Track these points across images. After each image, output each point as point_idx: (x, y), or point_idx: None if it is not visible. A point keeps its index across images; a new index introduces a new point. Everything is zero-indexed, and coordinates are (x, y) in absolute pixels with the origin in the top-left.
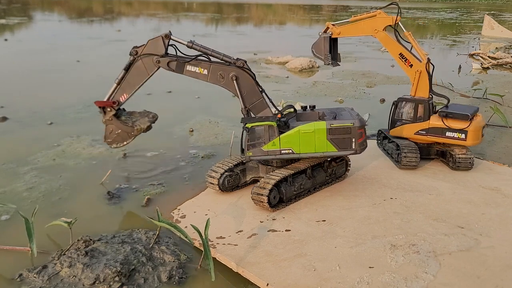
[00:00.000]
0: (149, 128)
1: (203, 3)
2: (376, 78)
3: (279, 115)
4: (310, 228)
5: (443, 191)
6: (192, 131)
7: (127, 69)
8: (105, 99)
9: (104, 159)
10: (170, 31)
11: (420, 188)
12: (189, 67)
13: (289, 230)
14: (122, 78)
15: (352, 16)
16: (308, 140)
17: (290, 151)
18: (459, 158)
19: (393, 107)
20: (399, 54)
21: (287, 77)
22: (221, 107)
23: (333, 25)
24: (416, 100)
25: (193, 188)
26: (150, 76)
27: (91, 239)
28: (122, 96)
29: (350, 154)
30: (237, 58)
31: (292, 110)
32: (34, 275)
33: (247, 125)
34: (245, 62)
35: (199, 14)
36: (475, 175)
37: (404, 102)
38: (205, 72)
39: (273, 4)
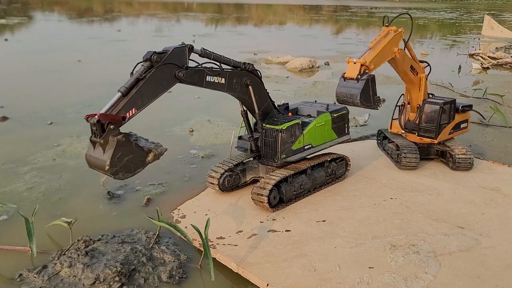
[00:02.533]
0: (161, 154)
1: (203, 3)
2: (376, 78)
3: (290, 114)
4: (310, 228)
5: (443, 191)
6: (192, 131)
7: (140, 78)
8: (103, 111)
9: None
10: (183, 43)
11: (420, 188)
12: (208, 78)
13: (289, 231)
14: (131, 88)
15: (370, 42)
16: (321, 132)
17: (310, 145)
18: (459, 158)
19: (433, 113)
20: (410, 67)
21: (287, 77)
22: (221, 107)
23: (358, 61)
24: (453, 102)
25: (193, 188)
26: (166, 90)
27: (91, 239)
28: (131, 111)
29: (346, 140)
30: (245, 63)
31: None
32: (34, 275)
33: (282, 127)
34: (253, 65)
35: (199, 14)
36: (475, 175)
37: (448, 105)
38: (223, 81)
39: (273, 4)
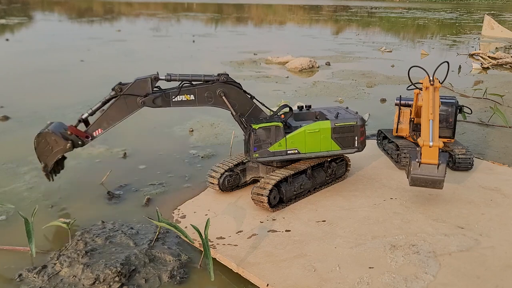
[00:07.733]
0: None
1: (203, 3)
2: (376, 78)
3: (282, 115)
4: (310, 228)
5: (443, 191)
6: (192, 131)
7: (105, 103)
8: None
9: (104, 159)
10: (157, 72)
11: (420, 188)
12: (174, 98)
13: (289, 231)
14: (96, 111)
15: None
16: (314, 139)
17: (296, 151)
18: (459, 158)
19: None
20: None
21: (287, 77)
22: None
23: (435, 145)
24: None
25: (193, 188)
26: (131, 115)
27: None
28: (97, 131)
29: (352, 152)
30: (219, 74)
31: (287, 110)
32: (34, 275)
33: (253, 127)
34: (228, 75)
35: (199, 14)
36: (475, 175)
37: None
38: (192, 97)
39: (273, 4)
